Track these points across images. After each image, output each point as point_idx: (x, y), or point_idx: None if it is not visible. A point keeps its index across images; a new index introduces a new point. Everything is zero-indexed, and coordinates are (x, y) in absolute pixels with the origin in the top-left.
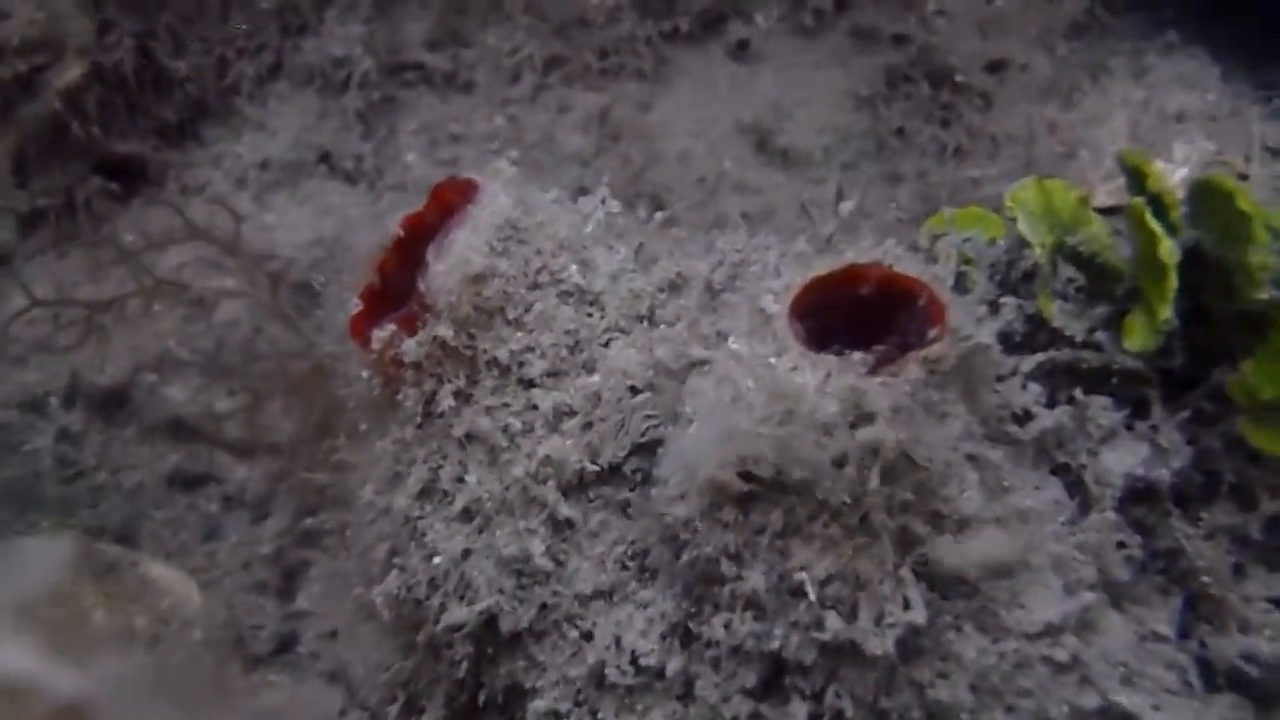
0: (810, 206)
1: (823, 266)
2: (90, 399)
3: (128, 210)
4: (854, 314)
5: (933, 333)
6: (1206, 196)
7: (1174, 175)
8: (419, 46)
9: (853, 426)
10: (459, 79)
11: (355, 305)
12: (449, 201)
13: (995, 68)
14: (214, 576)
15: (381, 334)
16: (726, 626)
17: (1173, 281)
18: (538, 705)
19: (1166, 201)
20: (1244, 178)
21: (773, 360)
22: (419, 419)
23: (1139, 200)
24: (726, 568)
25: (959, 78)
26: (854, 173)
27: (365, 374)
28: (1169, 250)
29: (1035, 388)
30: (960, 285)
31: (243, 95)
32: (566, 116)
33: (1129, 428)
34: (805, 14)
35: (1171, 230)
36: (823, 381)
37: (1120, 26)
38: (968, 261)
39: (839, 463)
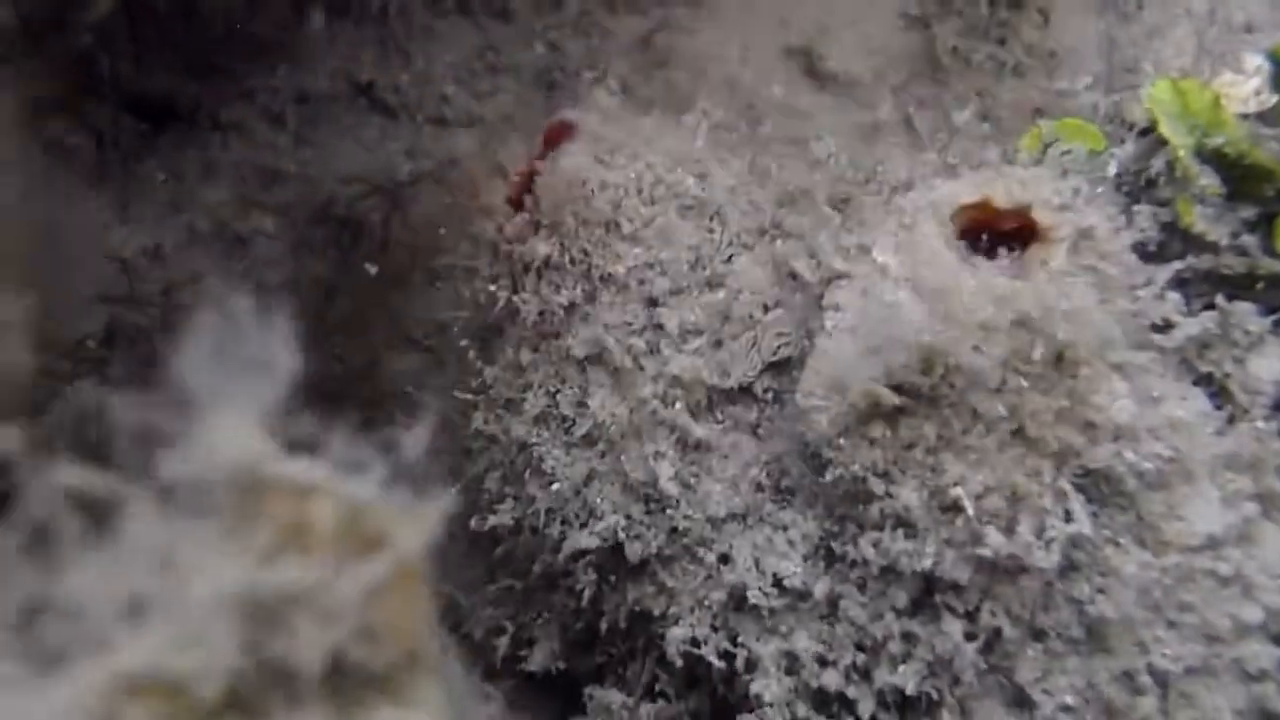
0: (916, 118)
1: (966, 192)
2: (131, 341)
3: (156, 148)
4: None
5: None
6: None
7: (1246, 87)
8: None
9: (1008, 331)
10: (495, 6)
11: (502, 212)
12: (555, 141)
13: None
14: None
15: (518, 220)
16: (875, 545)
17: None
18: (676, 632)
19: None
20: None
21: (925, 270)
22: (535, 341)
23: None
24: (876, 485)
25: None
26: (905, 95)
27: (492, 287)
28: None
29: (1174, 296)
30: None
31: (276, 27)
32: (609, 43)
33: (1275, 333)
34: None
35: None
36: (977, 287)
37: None
38: (1068, 173)
39: (996, 369)
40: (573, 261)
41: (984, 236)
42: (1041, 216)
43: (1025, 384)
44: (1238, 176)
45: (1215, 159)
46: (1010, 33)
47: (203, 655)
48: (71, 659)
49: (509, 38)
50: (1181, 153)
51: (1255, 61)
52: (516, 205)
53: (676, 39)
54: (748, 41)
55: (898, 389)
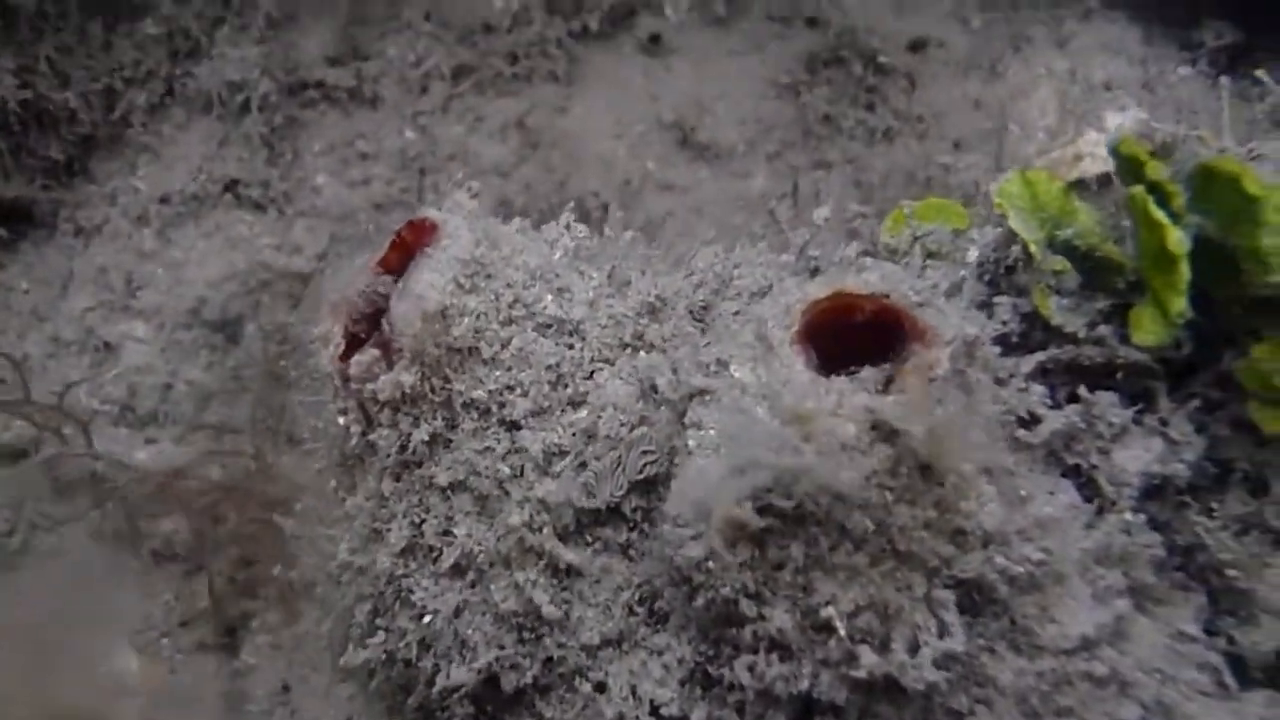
0: (776, 214)
1: (818, 290)
2: None
3: (17, 255)
4: (848, 335)
5: (916, 347)
6: (1209, 180)
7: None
8: (318, 63)
9: (871, 447)
10: (364, 94)
11: (336, 343)
12: (411, 245)
13: (916, 46)
14: (150, 638)
15: (363, 358)
16: (750, 669)
17: (1185, 272)
18: None
19: (1167, 190)
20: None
21: (781, 387)
22: (396, 471)
23: (1140, 190)
24: (747, 608)
25: (882, 59)
26: (779, 163)
27: (341, 420)
28: (1178, 240)
29: (1039, 388)
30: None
31: (135, 127)
32: (481, 126)
33: (1137, 422)
34: (717, 2)
35: (1175, 218)
36: (836, 404)
37: None
38: (931, 255)
39: (860, 487)
40: (433, 390)
41: (842, 333)
42: (921, 316)
43: (891, 497)
44: (1090, 268)
45: (1066, 251)
46: (878, 99)
47: None
48: None
49: (378, 125)
50: (1034, 247)
51: (1117, 120)
52: (365, 333)
53: (548, 118)
54: (620, 117)
55: (763, 510)
